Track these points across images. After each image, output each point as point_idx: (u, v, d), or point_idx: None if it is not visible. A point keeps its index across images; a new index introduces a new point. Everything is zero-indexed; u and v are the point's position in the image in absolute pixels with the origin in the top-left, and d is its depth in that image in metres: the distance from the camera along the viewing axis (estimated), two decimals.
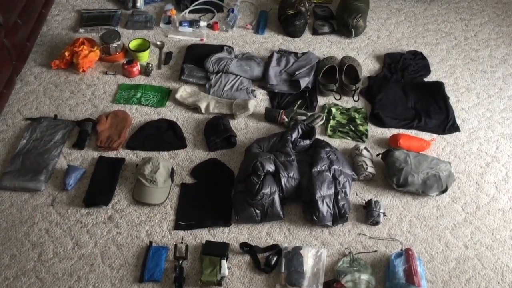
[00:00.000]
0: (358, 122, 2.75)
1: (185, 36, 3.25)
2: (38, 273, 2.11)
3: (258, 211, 2.26)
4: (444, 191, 2.40)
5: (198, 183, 2.48)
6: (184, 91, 2.87)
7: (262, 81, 2.97)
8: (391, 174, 2.43)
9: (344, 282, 2.08)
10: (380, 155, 2.52)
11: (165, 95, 2.87)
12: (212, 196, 2.41)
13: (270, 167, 2.33)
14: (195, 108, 2.80)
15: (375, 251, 2.22)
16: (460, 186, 2.48)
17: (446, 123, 2.78)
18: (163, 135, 2.65)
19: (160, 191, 2.38)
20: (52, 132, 2.62)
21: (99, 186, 2.41)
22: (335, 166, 2.37)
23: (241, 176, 2.39)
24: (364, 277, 2.09)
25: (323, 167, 2.36)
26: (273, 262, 2.15)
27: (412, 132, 2.72)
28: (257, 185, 2.27)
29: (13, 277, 2.09)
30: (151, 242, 2.21)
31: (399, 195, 2.43)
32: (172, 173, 2.46)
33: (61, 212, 2.32)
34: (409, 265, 2.08)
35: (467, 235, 2.30)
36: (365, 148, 2.55)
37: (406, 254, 2.13)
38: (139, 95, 2.85)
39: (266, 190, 2.26)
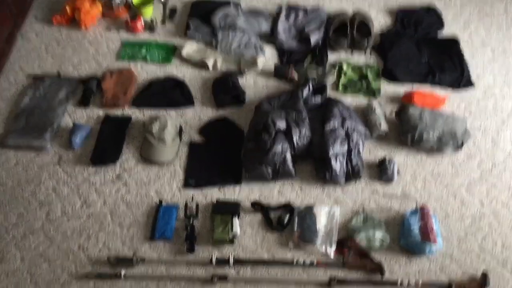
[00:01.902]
0: (371, 78, 2.67)
1: None
2: (47, 232, 2.08)
3: (269, 169, 2.21)
4: (459, 148, 2.35)
5: (207, 141, 2.42)
6: (190, 48, 2.77)
7: (270, 37, 2.87)
8: (405, 131, 2.36)
9: (358, 239, 2.04)
10: (394, 112, 2.45)
11: (171, 52, 2.78)
12: (221, 155, 2.35)
13: (282, 125, 2.26)
14: (202, 65, 2.72)
15: (389, 209, 2.18)
16: (475, 143, 2.42)
17: (460, 79, 2.69)
18: (170, 93, 2.57)
19: (168, 149, 2.32)
20: (56, 90, 2.54)
21: (106, 145, 2.35)
22: (348, 123, 2.31)
23: (252, 134, 2.33)
24: (378, 234, 2.05)
25: (336, 124, 2.29)
26: (285, 220, 2.11)
27: (426, 89, 2.64)
28: (269, 143, 2.21)
29: (21, 236, 2.06)
30: (160, 201, 2.17)
31: (414, 153, 2.37)
32: (180, 132, 2.40)
33: (68, 171, 2.27)
34: (425, 223, 2.04)
35: (482, 192, 2.25)
36: (379, 104, 2.48)
37: (421, 212, 2.09)
38: (144, 51, 2.76)
39: (278, 148, 2.20)
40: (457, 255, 2.06)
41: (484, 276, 1.97)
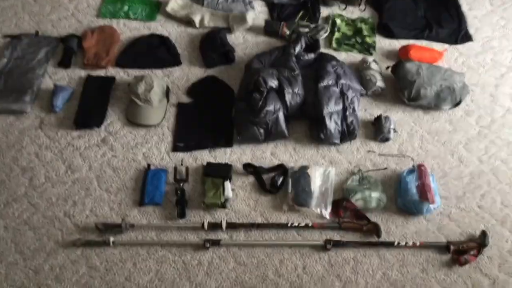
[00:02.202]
0: (365, 33, 2.55)
1: None
2: (30, 198, 1.99)
3: (261, 130, 2.12)
4: (457, 104, 2.27)
5: (196, 102, 2.31)
6: (175, 3, 2.63)
7: None
8: (402, 88, 2.27)
9: (354, 200, 1.98)
10: (390, 68, 2.35)
11: (155, 8, 2.64)
12: (211, 116, 2.25)
13: (273, 83, 2.16)
14: (188, 22, 2.58)
15: (385, 168, 2.11)
16: (473, 99, 2.35)
17: (458, 33, 2.60)
18: (155, 52, 2.45)
19: (155, 111, 2.22)
20: (34, 50, 2.41)
21: (90, 107, 2.24)
22: (342, 81, 2.21)
23: (242, 94, 2.23)
24: (375, 194, 1.99)
25: (330, 82, 2.19)
26: (279, 182, 2.04)
27: (423, 43, 2.54)
28: (260, 102, 2.11)
29: (4, 203, 1.97)
30: (149, 165, 2.08)
31: (410, 110, 2.29)
32: (167, 92, 2.29)
33: (51, 135, 2.16)
34: (422, 181, 1.98)
35: (481, 149, 2.19)
36: (374, 60, 2.38)
37: (419, 170, 2.03)
38: (126, 8, 2.61)
39: (270, 107, 2.11)
40: (456, 215, 2.01)
41: (483, 235, 1.92)
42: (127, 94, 2.26)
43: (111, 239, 1.88)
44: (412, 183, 1.99)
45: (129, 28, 2.55)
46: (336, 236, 1.93)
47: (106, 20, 2.57)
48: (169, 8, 2.60)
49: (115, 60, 2.41)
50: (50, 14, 2.59)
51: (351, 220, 1.96)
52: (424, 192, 1.95)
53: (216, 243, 1.89)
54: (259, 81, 2.14)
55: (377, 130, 2.19)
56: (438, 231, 1.96)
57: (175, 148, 2.15)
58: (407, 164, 2.11)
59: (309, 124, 2.21)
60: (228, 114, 2.23)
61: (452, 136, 2.23)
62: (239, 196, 2.03)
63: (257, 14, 2.64)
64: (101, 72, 2.37)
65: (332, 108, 2.13)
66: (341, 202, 1.99)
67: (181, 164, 2.08)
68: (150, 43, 2.48)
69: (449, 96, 2.24)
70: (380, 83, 2.30)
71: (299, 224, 1.94)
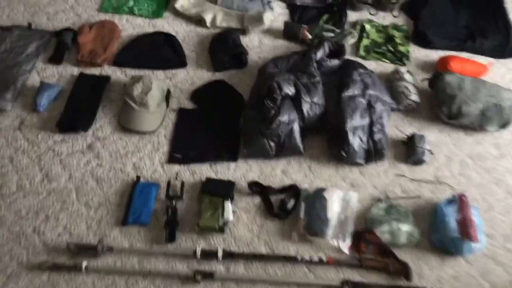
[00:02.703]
0: (398, 41, 2.23)
1: None
2: None
3: (272, 143, 1.80)
4: (505, 125, 1.92)
5: (200, 108, 2.01)
6: (185, 0, 2.36)
7: None
8: (440, 103, 1.94)
9: (379, 233, 1.64)
10: (427, 80, 2.02)
11: (163, 4, 2.37)
12: (216, 124, 1.95)
13: (290, 90, 1.85)
14: (198, 21, 2.31)
15: (418, 196, 1.77)
16: None
17: (505, 45, 2.27)
18: (159, 51, 2.17)
19: (152, 116, 1.93)
20: (25, 43, 2.15)
21: (78, 108, 1.96)
22: (370, 91, 1.89)
23: (253, 101, 1.92)
24: (405, 227, 1.65)
25: (356, 92, 1.87)
26: (289, 206, 1.71)
27: (464, 55, 2.20)
28: (273, 111, 1.80)
29: None
30: (138, 177, 1.78)
31: (449, 129, 1.95)
32: (167, 96, 2.00)
33: (30, 138, 1.88)
34: (463, 215, 1.63)
35: None
36: (408, 71, 2.05)
37: (460, 201, 1.68)
38: (131, 3, 2.36)
39: (284, 118, 1.79)
40: (503, 257, 1.64)
41: None
42: (122, 96, 1.97)
43: (84, 263, 1.56)
44: (451, 217, 1.64)
45: (132, 25, 2.29)
46: (355, 276, 1.59)
47: (107, 15, 2.32)
48: (178, 5, 2.33)
49: (112, 58, 2.14)
50: (47, 6, 2.34)
51: (375, 257, 1.62)
52: (466, 228, 1.60)
53: (209, 275, 1.56)
54: (273, 87, 1.83)
55: (409, 150, 1.85)
56: (482, 277, 1.60)
57: (171, 160, 1.85)
58: (444, 193, 1.77)
59: (328, 139, 1.88)
60: (236, 124, 1.92)
61: (498, 162, 1.87)
62: (241, 219, 1.70)
63: (276, 15, 2.35)
64: (95, 71, 2.09)
65: (357, 122, 1.81)
66: (363, 234, 1.65)
67: (176, 179, 1.77)
68: (154, 41, 2.20)
69: (496, 115, 1.90)
70: (414, 96, 1.97)
71: (311, 258, 1.60)
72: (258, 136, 1.80)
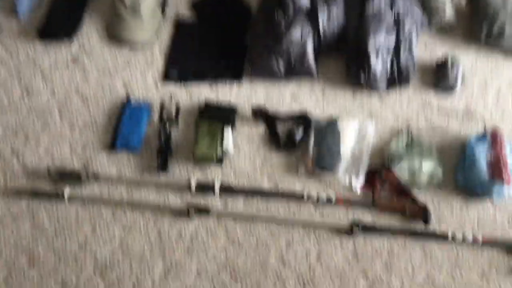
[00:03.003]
0: None
1: None
2: None
3: (281, 62, 1.57)
4: None
5: (201, 19, 1.76)
6: None
7: None
8: (480, 21, 1.66)
9: (397, 170, 1.45)
10: None
11: None
12: (219, 39, 1.71)
13: (304, 1, 1.58)
14: None
15: (446, 128, 1.55)
16: None
17: None
18: None
19: (145, 25, 1.68)
20: None
21: (61, 13, 1.72)
22: (399, 4, 1.61)
23: (261, 13, 1.66)
24: (427, 165, 1.45)
25: (382, 4, 1.60)
26: (298, 136, 1.51)
27: None
28: (283, 26, 1.55)
29: None
30: (128, 97, 1.57)
31: (487, 53, 1.69)
32: (164, 3, 1.74)
33: (8, 46, 1.67)
34: (496, 154, 1.43)
35: None
36: None
37: (492, 138, 1.46)
38: None
39: (296, 34, 1.54)
40: None
41: None
42: (111, 1, 1.72)
43: (67, 191, 1.41)
44: (481, 155, 1.43)
45: None
46: (367, 217, 1.42)
47: None
48: None
49: None
50: None
51: (391, 197, 1.44)
52: (498, 169, 1.40)
53: (204, 211, 1.40)
54: None
55: (439, 76, 1.61)
56: (510, 224, 1.43)
57: (167, 75, 1.63)
58: (475, 127, 1.55)
59: (347, 60, 1.64)
60: (241, 39, 1.67)
61: None
62: (243, 150, 1.51)
63: None
64: None
65: (381, 41, 1.55)
66: (379, 171, 1.46)
67: (171, 100, 1.57)
68: None
69: None
70: (450, 13, 1.69)
71: (318, 196, 1.43)
72: (265, 52, 1.57)
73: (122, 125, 1.51)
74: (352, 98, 1.60)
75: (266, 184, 1.47)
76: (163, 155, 1.47)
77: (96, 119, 1.55)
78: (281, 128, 1.54)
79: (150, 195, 1.44)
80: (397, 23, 1.59)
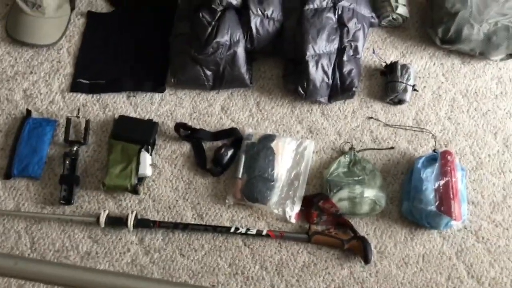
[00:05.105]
0: None
1: None
2: None
3: (208, 72, 1.36)
4: None
5: (118, 14, 1.52)
6: None
7: None
8: (435, 21, 1.47)
9: (336, 199, 1.28)
10: None
11: None
12: (140, 38, 1.48)
13: None
14: None
15: (392, 147, 1.39)
16: None
17: None
18: None
19: (50, 23, 1.44)
20: None
21: None
22: (344, 2, 1.40)
23: (185, 10, 1.43)
24: (369, 193, 1.29)
25: (324, 3, 1.38)
26: (226, 158, 1.32)
27: None
28: (209, 29, 1.32)
29: None
30: (29, 111, 1.35)
31: (442, 56, 1.51)
32: None
33: None
34: (446, 182, 1.27)
35: None
36: None
37: (443, 161, 1.30)
38: None
39: (224, 38, 1.32)
40: (486, 231, 1.32)
41: None
42: None
43: None
44: (429, 181, 1.27)
45: None
46: (303, 252, 1.26)
47: None
48: None
49: None
50: None
51: (328, 230, 1.28)
52: (447, 202, 1.25)
53: None
54: None
55: (387, 85, 1.43)
56: (457, 257, 1.29)
57: (75, 87, 1.40)
58: (427, 145, 1.39)
59: (284, 67, 1.44)
60: (165, 40, 1.45)
61: (498, 103, 1.47)
62: (164, 174, 1.32)
63: None
64: None
65: (321, 47, 1.35)
66: (316, 200, 1.29)
67: (78, 115, 1.35)
68: None
69: (505, 41, 1.46)
70: (402, 9, 1.49)
71: (247, 229, 1.26)
72: (188, 61, 1.35)
73: (20, 146, 1.30)
74: (291, 111, 1.41)
75: (189, 215, 1.29)
76: (67, 184, 1.26)
77: None
78: (208, 148, 1.34)
79: (52, 233, 1.24)
80: (341, 26, 1.38)
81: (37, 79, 1.40)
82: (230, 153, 1.33)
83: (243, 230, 1.25)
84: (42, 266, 0.69)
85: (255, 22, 1.36)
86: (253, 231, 1.26)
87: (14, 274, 0.74)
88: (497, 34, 1.45)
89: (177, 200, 1.30)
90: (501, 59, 1.50)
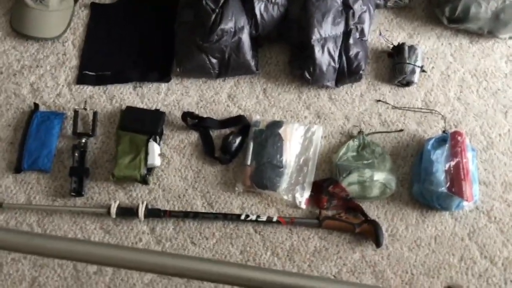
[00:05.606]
0: None
1: None
2: None
3: (214, 60, 1.35)
4: None
5: (122, 4, 1.51)
6: None
7: None
8: (442, 0, 1.45)
9: (346, 183, 1.28)
10: None
11: None
12: (144, 30, 1.47)
13: None
14: None
15: (401, 130, 1.38)
16: None
17: None
18: None
19: (54, 16, 1.44)
20: None
21: None
22: None
23: None
24: (379, 176, 1.28)
25: None
26: (234, 146, 1.32)
27: None
28: (213, 16, 1.32)
29: None
30: (36, 105, 1.35)
31: (449, 36, 1.49)
32: None
33: None
34: (456, 163, 1.26)
35: None
36: None
37: (452, 142, 1.29)
38: None
39: (228, 25, 1.32)
40: (498, 211, 1.30)
41: None
42: None
43: None
44: (439, 163, 1.26)
45: None
46: (314, 237, 1.26)
47: None
48: None
49: None
50: None
51: (338, 215, 1.28)
52: (458, 183, 1.24)
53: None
54: None
55: (395, 67, 1.41)
56: (469, 238, 1.28)
57: (81, 79, 1.40)
58: (435, 126, 1.38)
59: (290, 52, 1.43)
60: (170, 30, 1.44)
61: (508, 82, 1.45)
62: (173, 163, 1.32)
63: None
64: None
65: (327, 31, 1.34)
66: (325, 185, 1.29)
67: (85, 107, 1.35)
68: None
69: None
70: None
71: (258, 216, 1.26)
72: (193, 49, 1.34)
73: (28, 140, 1.30)
74: (298, 96, 1.41)
75: (199, 203, 1.29)
76: (77, 177, 1.27)
77: None
78: (216, 136, 1.34)
79: (64, 225, 1.25)
80: (346, 8, 1.37)
81: (43, 73, 1.40)
82: (238, 140, 1.33)
83: (253, 217, 1.26)
84: (57, 242, 0.70)
85: (259, 7, 1.35)
86: (264, 218, 1.26)
87: (30, 250, 0.75)
88: (505, 12, 1.43)
89: (186, 189, 1.30)
90: (510, 37, 1.47)
